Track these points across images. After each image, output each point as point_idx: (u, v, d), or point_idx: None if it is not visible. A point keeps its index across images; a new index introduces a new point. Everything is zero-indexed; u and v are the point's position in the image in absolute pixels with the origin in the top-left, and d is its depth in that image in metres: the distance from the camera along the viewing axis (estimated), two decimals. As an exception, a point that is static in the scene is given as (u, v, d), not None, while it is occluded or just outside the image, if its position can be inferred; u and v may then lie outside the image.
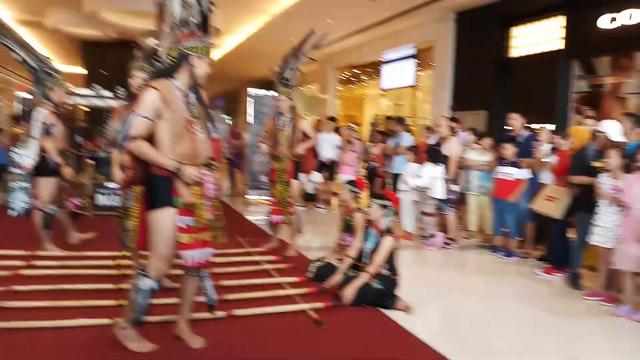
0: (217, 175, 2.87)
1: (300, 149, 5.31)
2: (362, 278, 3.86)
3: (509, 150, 5.82)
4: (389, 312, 3.81)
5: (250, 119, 9.79)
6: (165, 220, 2.70)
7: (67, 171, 4.81)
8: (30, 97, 8.77)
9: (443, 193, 6.11)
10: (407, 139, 7.72)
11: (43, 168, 4.72)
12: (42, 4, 11.33)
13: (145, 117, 2.63)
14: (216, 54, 15.80)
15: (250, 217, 7.69)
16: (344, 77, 15.34)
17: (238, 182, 11.37)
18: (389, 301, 3.88)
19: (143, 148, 2.64)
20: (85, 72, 15.56)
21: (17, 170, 6.53)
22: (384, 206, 4.06)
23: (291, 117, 5.27)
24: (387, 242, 3.94)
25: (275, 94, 5.37)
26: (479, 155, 6.41)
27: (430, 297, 4.35)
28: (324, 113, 14.39)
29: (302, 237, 5.63)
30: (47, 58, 4.90)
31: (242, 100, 25.60)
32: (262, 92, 9.53)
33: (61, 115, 4.85)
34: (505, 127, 7.31)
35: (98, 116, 9.99)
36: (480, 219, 6.52)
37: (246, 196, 9.64)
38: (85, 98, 7.60)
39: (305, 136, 5.37)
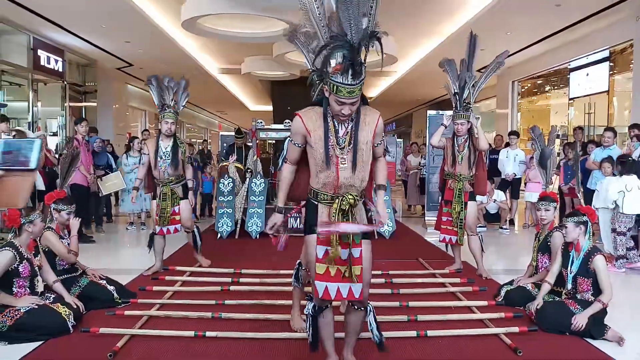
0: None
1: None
2: (595, 307, 3.52)
3: None
4: (595, 342, 3.43)
5: (427, 140, 9.75)
6: (309, 246, 2.73)
7: None
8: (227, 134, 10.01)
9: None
10: (616, 151, 6.86)
11: None
12: (240, 54, 12.97)
13: (291, 142, 2.72)
14: (389, 81, 16.18)
15: (428, 239, 7.61)
16: (525, 88, 14.45)
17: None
18: (596, 330, 3.48)
19: (282, 174, 2.76)
20: (271, 108, 17.23)
21: (223, 198, 7.48)
22: (581, 223, 3.70)
23: (469, 136, 5.20)
24: (601, 263, 3.57)
25: (451, 113, 5.31)
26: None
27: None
28: (503, 128, 13.71)
29: (485, 259, 5.40)
30: None
31: (414, 121, 25.72)
32: (437, 112, 9.45)
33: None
34: None
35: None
36: None
37: (425, 218, 9.57)
38: (277, 131, 8.39)
39: (482, 156, 5.28)
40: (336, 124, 2.64)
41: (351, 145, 2.62)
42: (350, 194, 2.62)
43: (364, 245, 2.71)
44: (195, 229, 5.48)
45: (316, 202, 2.71)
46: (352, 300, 2.77)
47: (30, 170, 1.08)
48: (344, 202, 2.60)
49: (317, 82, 2.85)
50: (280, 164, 2.74)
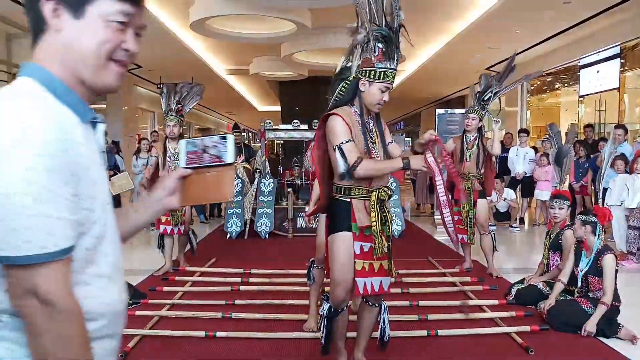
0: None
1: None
2: (599, 310, 3.47)
3: None
4: (608, 341, 3.40)
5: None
6: (340, 245, 2.65)
7: None
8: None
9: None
10: (627, 149, 6.82)
11: None
12: (248, 55, 13.00)
13: (347, 142, 2.55)
14: (396, 80, 16.12)
15: (438, 238, 7.58)
16: (534, 86, 14.35)
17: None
18: (609, 329, 3.45)
19: (370, 166, 2.56)
20: (279, 108, 17.27)
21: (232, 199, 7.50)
22: (587, 222, 3.66)
23: (479, 135, 5.20)
24: (609, 262, 3.52)
25: (463, 111, 5.30)
26: None
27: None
28: (512, 126, 13.63)
29: (496, 258, 5.38)
30: None
31: (422, 120, 25.63)
32: (446, 111, 9.43)
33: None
34: None
35: (294, 147, 10.97)
36: None
37: (434, 217, 9.54)
38: (285, 132, 8.39)
39: (490, 156, 5.26)
40: (365, 120, 2.72)
41: (379, 138, 2.75)
42: (385, 186, 2.69)
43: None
44: (191, 233, 5.52)
45: (348, 199, 2.67)
46: (367, 298, 2.76)
47: (228, 165, 1.12)
48: (381, 193, 2.62)
49: (336, 81, 2.84)
50: (347, 174, 2.56)
